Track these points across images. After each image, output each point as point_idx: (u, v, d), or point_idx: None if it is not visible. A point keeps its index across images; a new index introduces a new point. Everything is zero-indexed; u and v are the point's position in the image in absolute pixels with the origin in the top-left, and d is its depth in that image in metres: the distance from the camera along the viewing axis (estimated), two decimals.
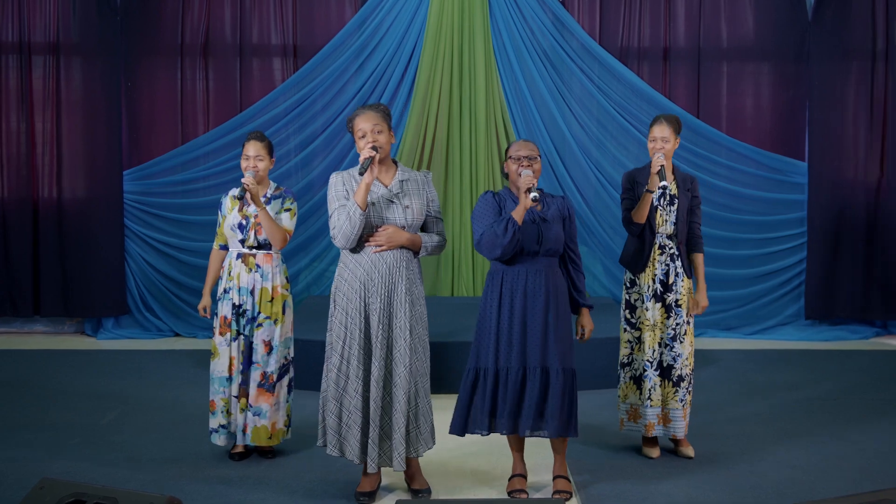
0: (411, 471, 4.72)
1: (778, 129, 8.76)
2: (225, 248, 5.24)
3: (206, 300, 5.30)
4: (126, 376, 7.04)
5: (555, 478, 4.74)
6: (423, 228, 4.69)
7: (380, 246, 4.51)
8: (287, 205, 5.16)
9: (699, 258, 5.35)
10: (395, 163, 4.69)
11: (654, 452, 5.26)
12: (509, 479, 4.77)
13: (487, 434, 4.63)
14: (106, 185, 8.39)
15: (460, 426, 4.64)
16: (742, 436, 5.63)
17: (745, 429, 5.78)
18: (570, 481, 4.75)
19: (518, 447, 4.78)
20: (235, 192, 5.22)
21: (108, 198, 8.38)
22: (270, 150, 5.21)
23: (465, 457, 5.24)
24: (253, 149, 5.12)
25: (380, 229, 4.51)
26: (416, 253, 4.60)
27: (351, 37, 8.50)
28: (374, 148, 4.45)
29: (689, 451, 5.25)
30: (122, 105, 8.43)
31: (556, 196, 4.77)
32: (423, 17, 8.46)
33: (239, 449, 5.21)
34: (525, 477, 4.75)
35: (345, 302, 4.55)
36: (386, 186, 4.57)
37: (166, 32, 8.52)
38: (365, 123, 4.52)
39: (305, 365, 6.11)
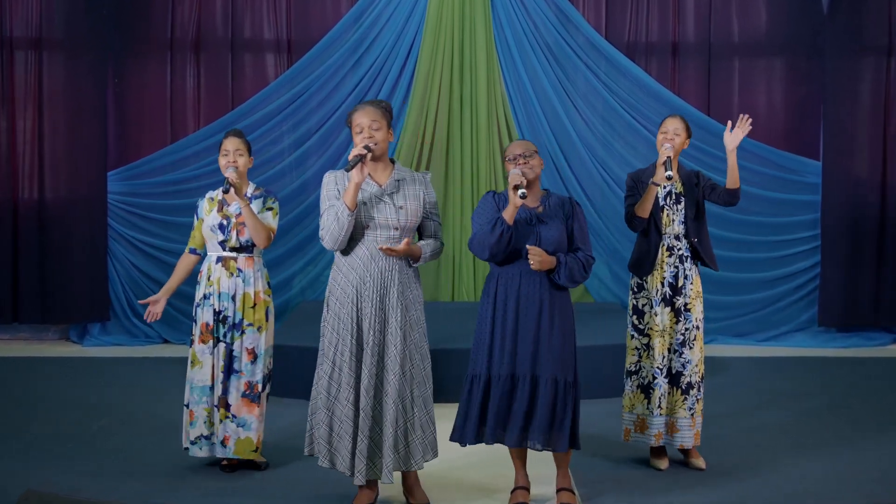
0: (409, 484, 4.62)
1: (791, 127, 8.63)
2: (195, 252, 5.14)
3: (156, 297, 5.10)
4: (115, 383, 6.98)
5: (558, 490, 4.63)
6: (420, 231, 4.58)
7: (391, 250, 4.36)
8: (269, 204, 5.05)
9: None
10: (392, 161, 4.57)
11: (663, 464, 5.15)
12: (511, 493, 4.67)
13: (470, 444, 4.55)
14: (90, 185, 8.21)
15: (458, 435, 4.56)
16: (753, 446, 5.57)
17: (756, 439, 5.72)
18: (574, 494, 4.65)
19: (520, 459, 4.68)
20: (213, 193, 5.11)
21: (92, 199, 8.20)
22: (249, 148, 5.12)
23: (466, 469, 5.16)
24: (232, 144, 5.02)
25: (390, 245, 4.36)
26: (410, 262, 4.48)
27: (347, 31, 8.39)
28: (367, 147, 4.33)
29: (700, 462, 5.14)
30: (108, 103, 8.29)
31: (562, 196, 4.67)
32: (423, 11, 8.35)
33: (232, 461, 5.06)
34: (528, 490, 4.66)
35: (337, 307, 4.44)
36: (380, 185, 4.45)
37: (155, 26, 8.40)
38: (363, 119, 4.41)
39: (300, 372, 5.99)
